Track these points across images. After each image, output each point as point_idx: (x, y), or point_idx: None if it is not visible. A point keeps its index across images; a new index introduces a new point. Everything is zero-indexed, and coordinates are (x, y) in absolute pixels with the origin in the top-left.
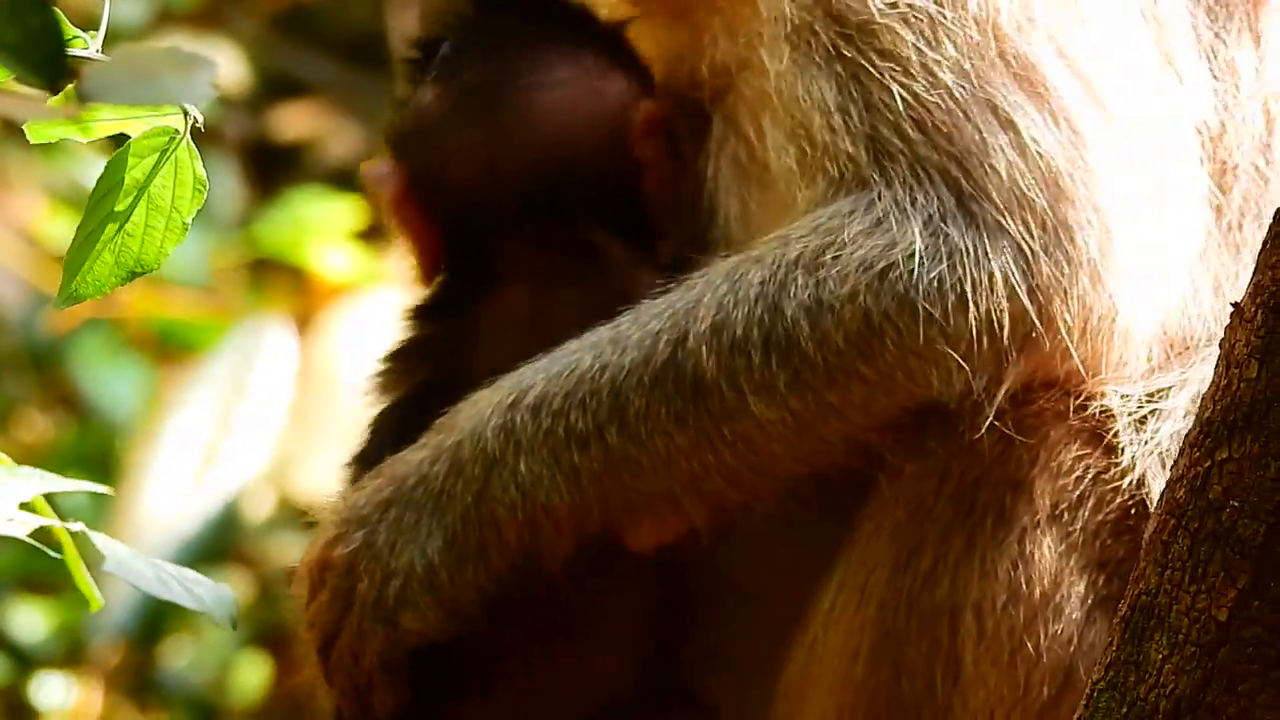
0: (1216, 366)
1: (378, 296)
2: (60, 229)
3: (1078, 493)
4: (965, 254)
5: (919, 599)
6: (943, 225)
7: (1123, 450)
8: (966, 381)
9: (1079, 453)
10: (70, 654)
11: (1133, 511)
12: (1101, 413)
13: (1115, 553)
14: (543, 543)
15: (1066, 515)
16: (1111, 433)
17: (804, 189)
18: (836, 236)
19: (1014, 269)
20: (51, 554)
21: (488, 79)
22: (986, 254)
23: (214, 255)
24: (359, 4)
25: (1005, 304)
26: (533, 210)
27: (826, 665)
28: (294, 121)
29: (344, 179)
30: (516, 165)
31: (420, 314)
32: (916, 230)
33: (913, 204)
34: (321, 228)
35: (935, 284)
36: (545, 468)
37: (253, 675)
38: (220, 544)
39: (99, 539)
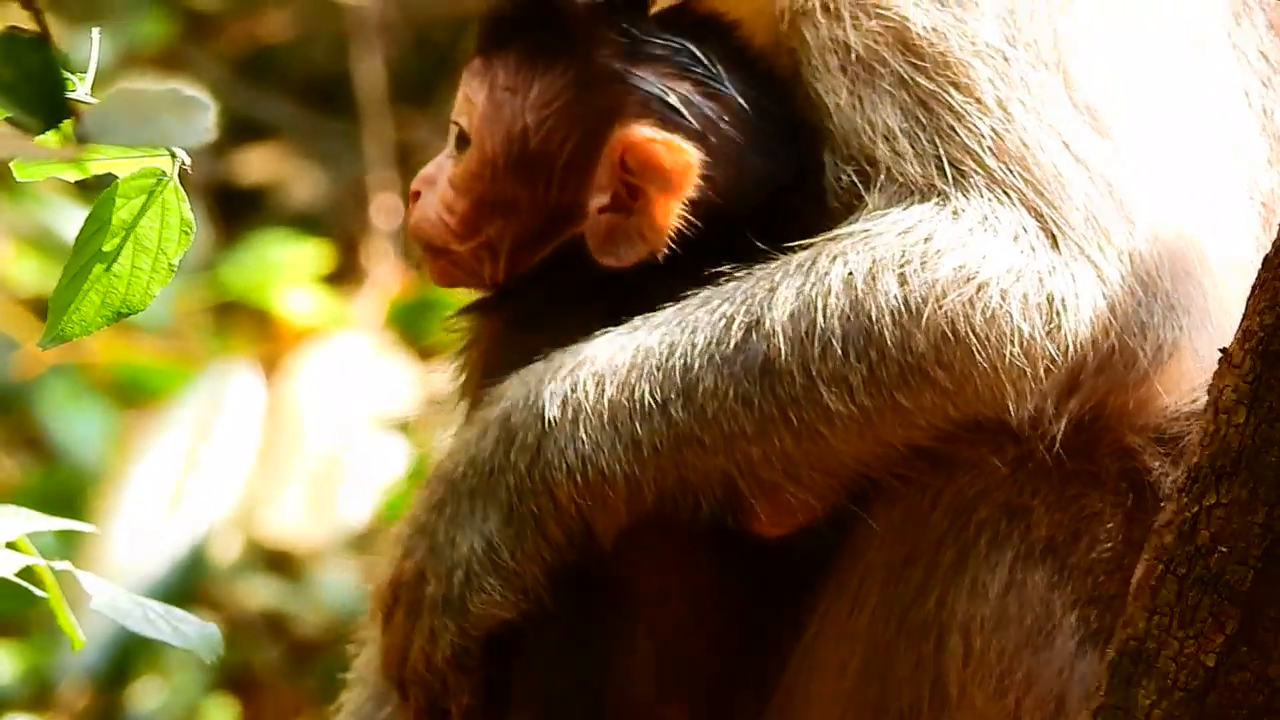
0: (1204, 412)
1: (343, 339)
2: (26, 272)
3: (1075, 527)
4: (1051, 274)
5: (909, 612)
6: (1029, 244)
7: (1150, 484)
8: (1038, 402)
9: (1084, 488)
10: (38, 696)
11: (1129, 552)
12: (1125, 448)
13: (1108, 589)
14: (598, 513)
15: (1062, 548)
16: (1124, 469)
17: (870, 195)
18: (927, 243)
19: (1098, 294)
20: (36, 592)
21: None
22: (1071, 277)
23: (179, 298)
24: (321, 47)
25: (1088, 329)
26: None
27: (817, 676)
28: (257, 164)
29: (308, 222)
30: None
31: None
32: (1006, 245)
33: (998, 219)
34: (286, 271)
35: (1024, 301)
36: (604, 436)
37: (220, 718)
38: (187, 586)
39: (85, 577)
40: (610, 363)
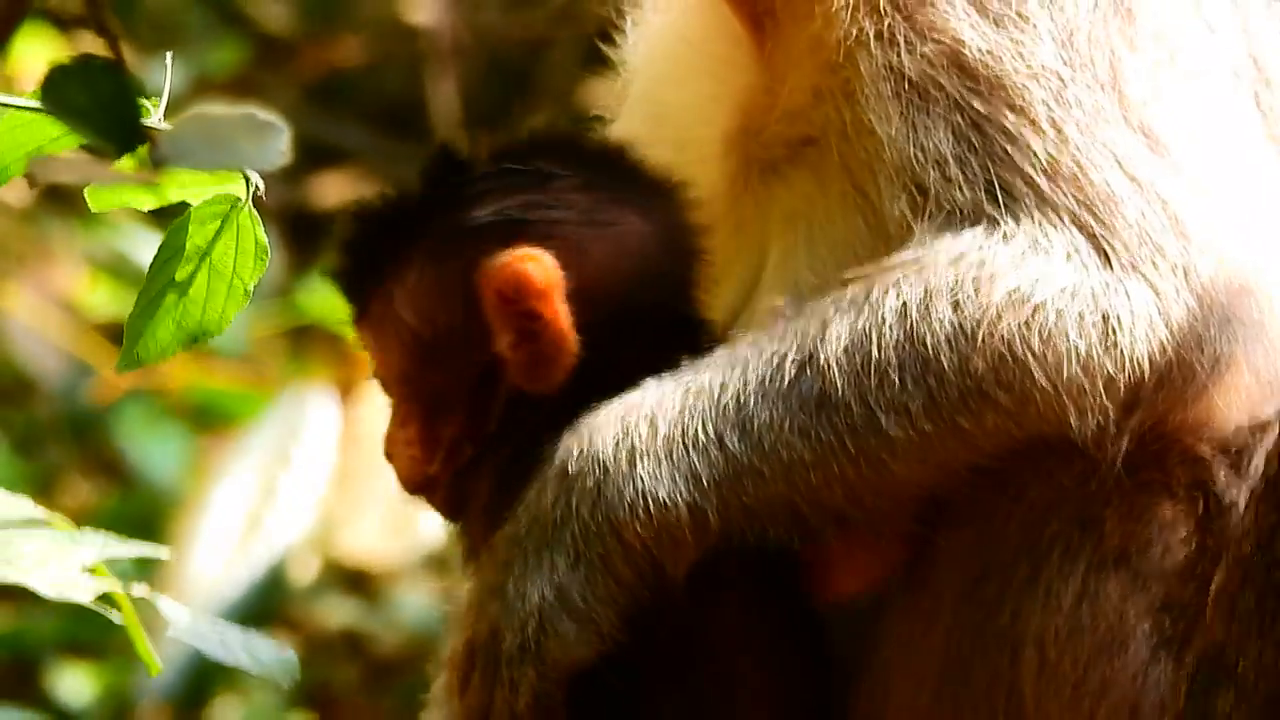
0: (1278, 423)
1: None
2: (100, 299)
3: (1147, 536)
4: (1105, 292)
5: (983, 627)
6: (1082, 263)
7: (1216, 494)
8: (1100, 419)
9: (1155, 497)
10: (116, 718)
11: (1202, 559)
12: (1194, 458)
13: (1181, 596)
14: (664, 548)
15: (1135, 557)
16: (1195, 478)
17: (917, 225)
18: (980, 269)
19: (1153, 310)
20: (111, 617)
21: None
22: (1126, 294)
23: (254, 323)
24: (394, 71)
25: (1145, 345)
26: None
27: (893, 695)
28: (331, 189)
29: None
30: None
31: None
32: (1059, 265)
33: (1049, 241)
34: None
35: (1079, 319)
36: (663, 471)
37: None
38: (266, 607)
39: (163, 602)
40: (660, 404)
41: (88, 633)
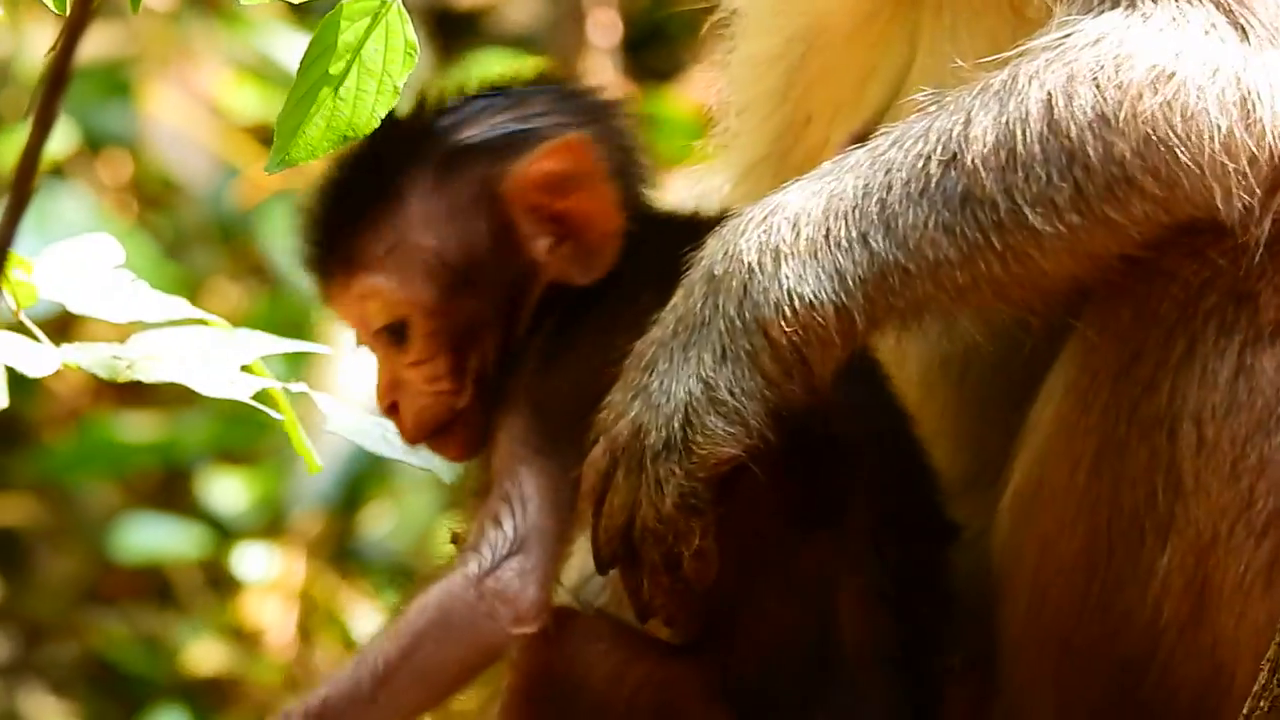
0: None
1: None
2: (245, 100)
3: None
4: (1244, 68)
5: (1139, 406)
6: (1220, 40)
7: None
8: (1245, 198)
9: None
10: (271, 524)
11: None
12: None
13: None
14: (811, 346)
15: None
16: None
17: (1059, 9)
18: (1119, 47)
19: None
20: (272, 414)
21: None
22: (1264, 67)
23: None
24: None
25: None
26: None
27: (1049, 475)
28: None
29: (525, 42)
30: None
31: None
32: (1197, 40)
33: (1186, 18)
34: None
35: (1220, 96)
36: (808, 270)
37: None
38: None
39: (321, 399)
40: (804, 207)
41: (241, 439)
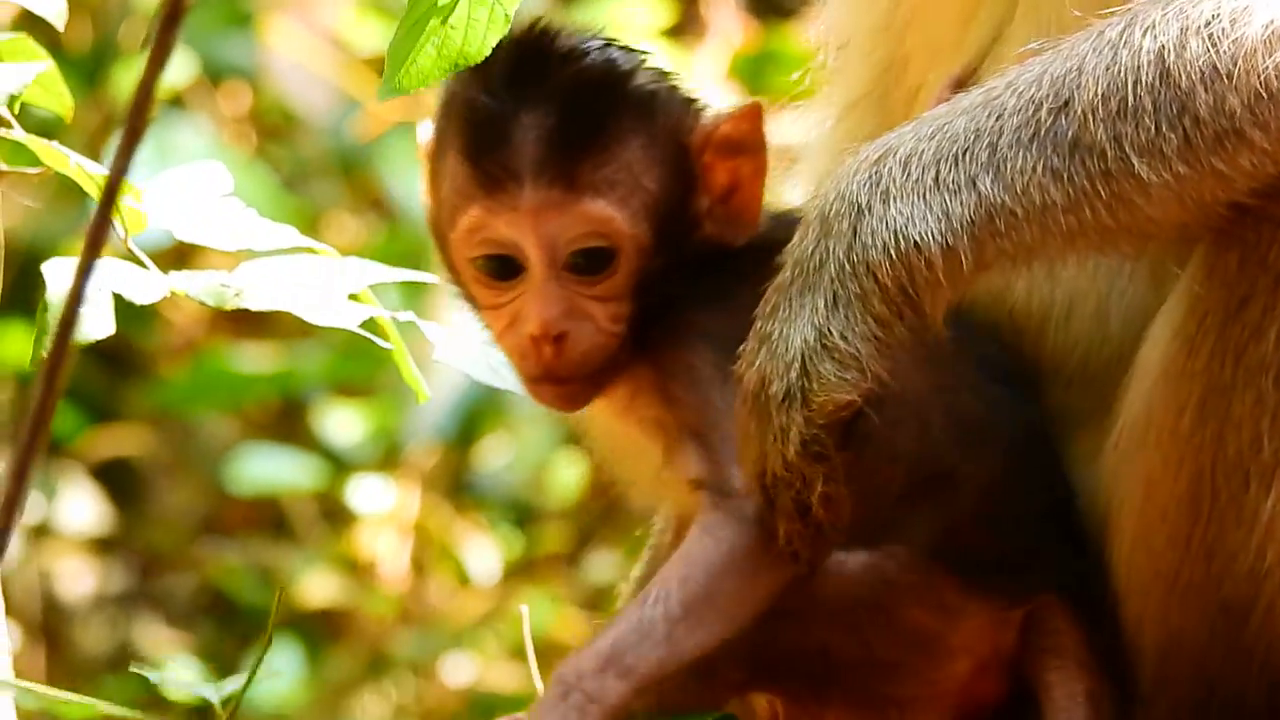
0: None
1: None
2: (366, 32)
3: None
4: None
5: (1245, 351)
6: None
7: None
8: None
9: None
10: (386, 457)
11: None
12: None
13: None
14: (920, 287)
15: None
16: None
17: None
18: (1233, 4)
19: None
20: (381, 344)
21: None
22: None
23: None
24: None
25: None
26: None
27: (1155, 418)
28: None
29: None
30: None
31: None
32: None
33: None
34: (627, 25)
35: None
36: (915, 210)
37: (569, 473)
38: None
39: (428, 327)
40: (915, 149)
41: (357, 372)
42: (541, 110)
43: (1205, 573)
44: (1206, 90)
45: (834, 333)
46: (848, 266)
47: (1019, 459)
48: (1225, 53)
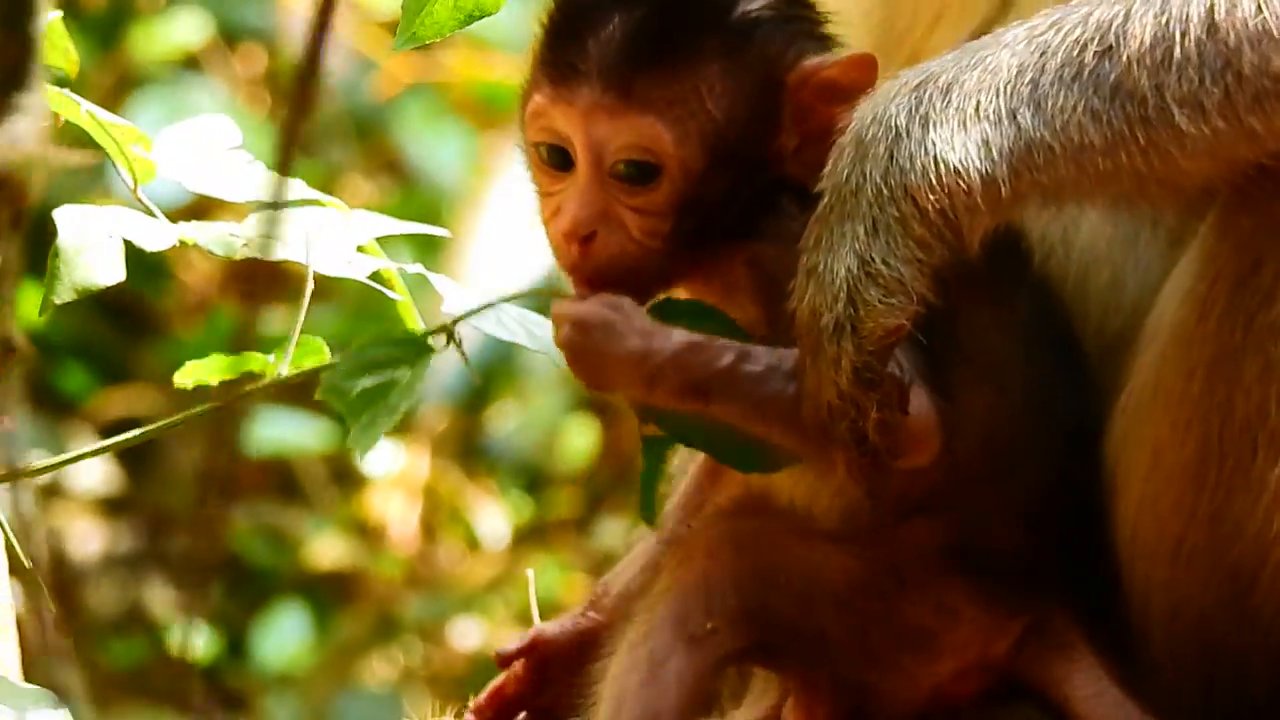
0: None
1: None
2: None
3: None
4: None
5: (1256, 316)
6: None
7: None
8: None
9: None
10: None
11: None
12: None
13: None
14: (960, 212)
15: None
16: None
17: None
18: None
19: None
20: (389, 294)
21: None
22: None
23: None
24: None
25: None
26: None
27: (1165, 380)
28: None
29: None
30: None
31: None
32: None
33: None
34: None
35: None
36: (955, 137)
37: (580, 439)
38: (546, 307)
39: (437, 280)
40: (957, 78)
41: (368, 334)
42: (629, 14)
43: (1211, 538)
44: (1253, 49)
45: (876, 259)
46: (885, 191)
47: (1070, 462)
48: (1274, 13)
